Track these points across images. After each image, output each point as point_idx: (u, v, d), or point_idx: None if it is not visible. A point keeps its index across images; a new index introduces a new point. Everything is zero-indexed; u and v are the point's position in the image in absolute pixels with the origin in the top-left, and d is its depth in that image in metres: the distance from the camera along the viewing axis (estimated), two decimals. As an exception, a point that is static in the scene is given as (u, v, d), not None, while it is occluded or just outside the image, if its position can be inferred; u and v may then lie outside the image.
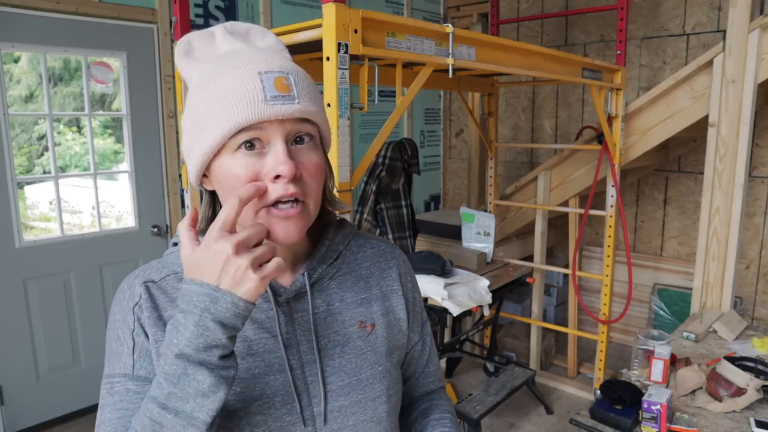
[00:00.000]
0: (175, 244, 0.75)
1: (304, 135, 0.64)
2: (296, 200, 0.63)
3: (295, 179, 0.63)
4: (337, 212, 0.79)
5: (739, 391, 1.67)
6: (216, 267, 0.55)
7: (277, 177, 0.61)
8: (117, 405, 0.64)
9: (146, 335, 0.66)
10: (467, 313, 2.41)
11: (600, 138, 2.86)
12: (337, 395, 0.70)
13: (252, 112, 0.60)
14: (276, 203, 0.63)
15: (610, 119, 2.78)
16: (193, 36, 0.69)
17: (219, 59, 0.66)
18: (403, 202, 3.02)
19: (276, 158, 0.61)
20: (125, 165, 2.89)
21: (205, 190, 0.69)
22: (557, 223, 3.87)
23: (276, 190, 0.62)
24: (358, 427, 0.72)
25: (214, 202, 0.70)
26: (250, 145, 0.62)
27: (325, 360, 0.71)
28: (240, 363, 0.66)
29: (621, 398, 1.67)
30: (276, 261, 0.58)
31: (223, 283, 0.55)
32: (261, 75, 0.61)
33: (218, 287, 0.55)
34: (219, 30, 0.69)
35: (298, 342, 0.70)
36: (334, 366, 0.71)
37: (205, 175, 0.67)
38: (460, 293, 2.38)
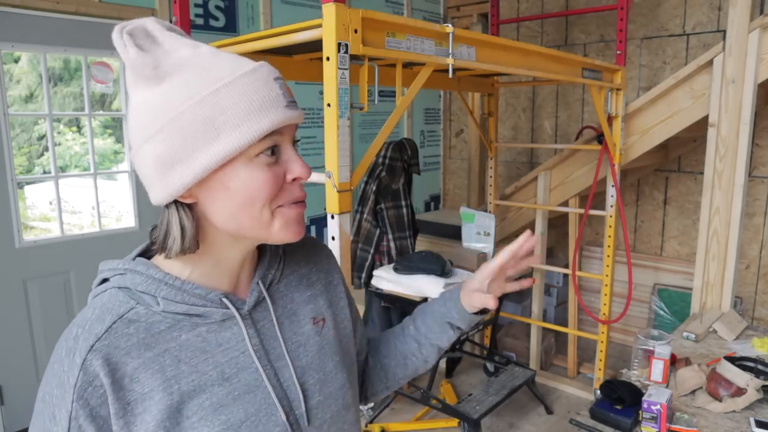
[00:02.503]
0: (103, 281, 0.69)
1: (297, 139, 0.67)
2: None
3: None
4: None
5: (739, 391, 1.67)
6: None
7: (296, 179, 0.65)
8: None
9: (90, 416, 0.59)
10: (467, 313, 2.41)
11: (600, 138, 2.86)
12: (312, 393, 0.72)
13: (277, 116, 0.61)
14: (291, 204, 0.66)
15: (610, 119, 2.78)
16: (151, 25, 0.64)
17: (210, 61, 0.61)
18: (403, 202, 3.02)
19: (295, 161, 0.64)
20: (125, 165, 2.89)
21: (180, 204, 0.63)
22: (557, 223, 3.86)
23: (294, 191, 0.65)
24: (335, 418, 0.74)
25: (194, 215, 0.64)
26: (272, 151, 0.62)
27: (294, 362, 0.72)
28: (218, 390, 0.64)
29: (621, 398, 1.67)
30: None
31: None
32: (278, 81, 0.63)
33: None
34: (159, 30, 0.64)
35: (266, 351, 0.70)
36: (302, 366, 0.72)
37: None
38: (460, 293, 2.37)
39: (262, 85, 0.60)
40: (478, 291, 0.83)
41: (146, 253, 0.71)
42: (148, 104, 0.60)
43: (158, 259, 0.68)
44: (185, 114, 0.58)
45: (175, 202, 0.63)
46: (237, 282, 0.71)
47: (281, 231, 0.65)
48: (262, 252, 0.75)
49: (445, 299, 0.89)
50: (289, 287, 0.77)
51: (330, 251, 0.88)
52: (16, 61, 2.62)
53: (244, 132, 0.59)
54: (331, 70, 1.36)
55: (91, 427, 0.59)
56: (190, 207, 0.64)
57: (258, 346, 0.69)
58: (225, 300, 0.67)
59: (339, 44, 1.35)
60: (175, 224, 0.63)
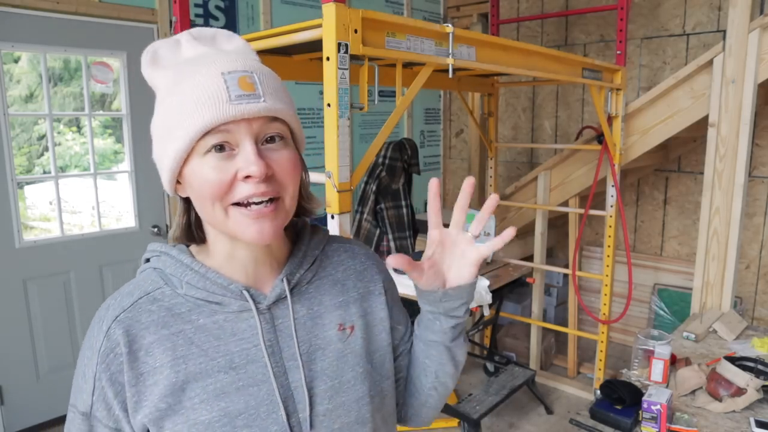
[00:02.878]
0: (147, 260, 0.73)
1: (274, 134, 0.64)
2: (270, 199, 0.63)
3: (268, 178, 0.62)
4: (311, 215, 0.79)
5: (739, 391, 1.67)
6: None
7: (248, 177, 0.61)
8: None
9: (109, 379, 0.65)
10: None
11: (600, 138, 2.86)
12: (321, 399, 0.70)
13: (217, 112, 0.59)
14: (248, 203, 0.63)
15: (610, 119, 2.78)
16: (159, 44, 0.68)
17: (183, 64, 0.65)
18: (403, 202, 3.02)
19: (246, 158, 0.61)
20: (125, 165, 2.89)
21: (180, 197, 0.69)
22: (557, 223, 3.87)
23: (246, 189, 0.62)
24: (343, 429, 0.71)
25: (189, 209, 0.70)
26: (220, 147, 0.61)
27: (307, 365, 0.70)
28: (223, 378, 0.66)
29: (621, 398, 1.67)
30: None
31: None
32: (224, 75, 0.61)
33: None
34: (184, 36, 0.68)
35: (280, 349, 0.69)
36: (316, 370, 0.71)
37: (178, 182, 0.67)
38: (460, 293, 2.37)
39: (207, 82, 0.60)
40: (427, 263, 0.73)
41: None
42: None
43: (194, 247, 0.73)
44: (156, 121, 0.66)
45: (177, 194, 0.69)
46: (255, 276, 0.71)
47: (238, 230, 0.64)
48: (295, 250, 0.75)
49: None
50: (320, 290, 0.75)
51: (379, 262, 0.84)
52: (16, 61, 2.62)
53: (185, 131, 0.61)
54: (331, 70, 1.36)
55: (110, 390, 0.65)
56: (189, 200, 0.68)
57: (272, 342, 0.69)
58: (245, 292, 0.68)
59: (339, 44, 1.35)
60: (179, 214, 0.71)
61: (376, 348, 0.78)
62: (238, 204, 0.63)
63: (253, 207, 0.63)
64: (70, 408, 0.69)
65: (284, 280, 0.71)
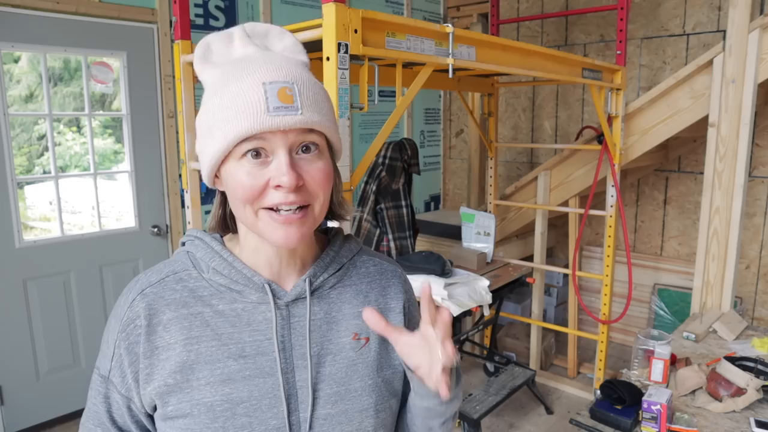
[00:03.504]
0: (183, 244, 0.76)
1: (309, 144, 0.65)
2: (299, 207, 0.65)
3: (298, 188, 0.64)
4: (342, 220, 0.79)
5: (739, 391, 1.67)
6: None
7: (279, 186, 0.63)
8: (92, 400, 0.73)
9: (126, 348, 0.68)
10: (467, 313, 2.41)
11: (600, 138, 2.86)
12: (324, 403, 0.70)
13: (254, 123, 0.61)
14: (278, 209, 0.64)
15: (610, 119, 2.78)
16: (213, 38, 0.70)
17: (230, 65, 0.67)
18: (403, 202, 3.02)
19: (278, 169, 0.63)
20: (125, 165, 2.89)
21: (218, 190, 0.73)
22: (557, 223, 3.87)
23: (276, 197, 0.64)
24: None
25: (224, 202, 0.74)
26: (255, 153, 0.63)
27: (316, 367, 0.71)
28: (232, 364, 0.68)
29: (621, 398, 1.67)
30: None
31: None
32: (265, 86, 0.62)
33: None
34: (238, 31, 0.70)
35: (291, 346, 0.70)
36: (324, 373, 0.71)
37: (216, 176, 0.70)
38: (460, 293, 2.38)
39: (249, 91, 0.62)
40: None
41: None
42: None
43: (227, 237, 0.77)
44: (200, 118, 0.68)
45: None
46: (279, 273, 0.73)
47: (266, 233, 0.66)
48: (324, 254, 0.76)
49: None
50: (342, 297, 0.76)
51: (406, 282, 0.84)
52: (16, 61, 2.62)
53: (223, 135, 0.63)
54: (331, 70, 1.36)
55: (126, 358, 0.68)
56: (224, 193, 0.72)
57: (284, 338, 0.70)
58: (266, 286, 0.70)
59: (339, 44, 1.35)
60: (215, 205, 0.75)
61: (388, 364, 0.78)
62: (267, 209, 0.65)
63: (282, 213, 0.64)
64: (95, 369, 0.73)
65: (306, 280, 0.72)
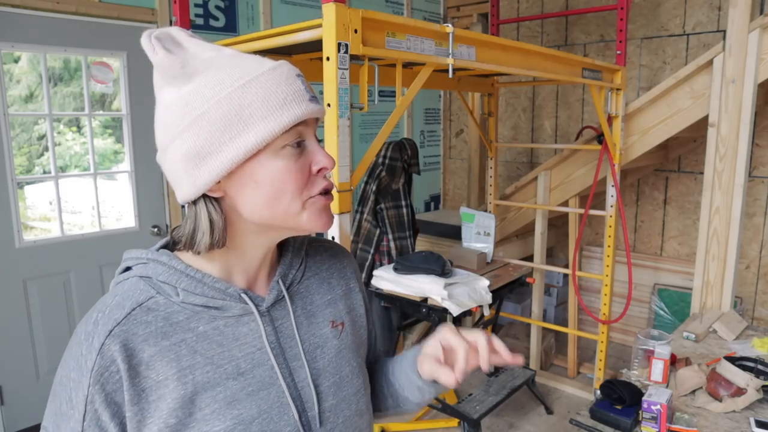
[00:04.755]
0: (127, 269, 0.69)
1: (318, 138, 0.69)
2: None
3: None
4: None
5: (739, 391, 1.67)
6: None
7: (321, 170, 0.66)
8: None
9: (107, 402, 0.60)
10: (467, 313, 2.41)
11: (600, 138, 2.86)
12: (326, 396, 0.72)
13: (302, 109, 0.63)
14: (326, 192, 0.68)
15: (610, 119, 2.78)
16: (173, 31, 0.65)
17: (234, 60, 0.64)
18: (403, 202, 3.02)
19: (319, 152, 0.66)
20: (125, 165, 2.89)
21: (209, 199, 0.64)
22: (557, 223, 3.87)
23: (323, 182, 0.67)
24: (347, 422, 0.73)
25: (222, 209, 0.65)
26: (298, 143, 0.64)
27: (310, 363, 0.72)
28: (233, 384, 0.65)
29: (621, 398, 1.67)
30: None
31: None
32: (299, 77, 0.65)
33: None
34: (181, 37, 0.66)
35: (282, 350, 0.70)
36: (318, 368, 0.72)
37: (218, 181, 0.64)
38: (460, 293, 2.38)
39: (284, 80, 0.63)
40: (432, 359, 0.72)
41: (168, 248, 0.71)
42: (177, 102, 0.62)
43: (180, 254, 0.69)
44: (214, 108, 0.60)
45: (204, 196, 0.64)
46: (255, 279, 0.72)
47: (310, 221, 0.66)
48: (284, 251, 0.76)
49: (413, 356, 0.80)
50: (310, 289, 0.77)
51: (352, 259, 0.87)
52: (16, 61, 2.62)
53: (270, 124, 0.61)
54: (331, 70, 1.36)
55: (106, 412, 0.60)
56: (218, 201, 0.65)
57: (275, 344, 0.69)
58: (244, 295, 0.68)
59: (339, 44, 1.35)
60: (204, 219, 0.64)
61: (361, 342, 0.82)
62: (317, 195, 0.66)
63: (327, 197, 0.68)
64: None
65: (279, 281, 0.72)
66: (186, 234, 0.66)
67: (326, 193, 0.67)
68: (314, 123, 0.67)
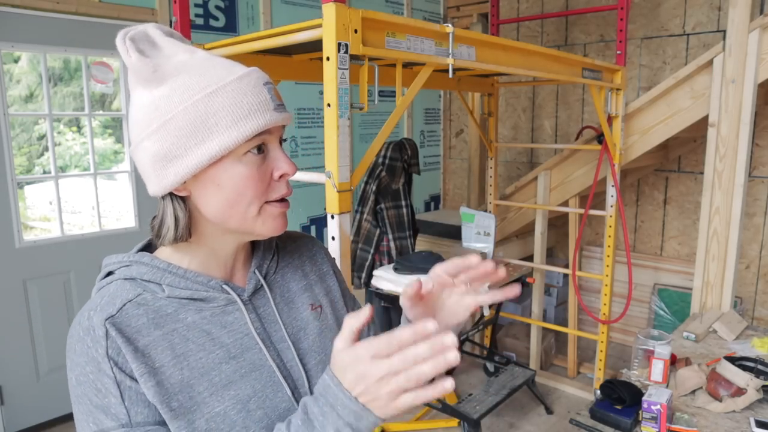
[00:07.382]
0: (109, 274, 0.71)
1: (281, 138, 0.72)
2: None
3: None
4: None
5: (739, 391, 1.67)
6: (369, 384, 0.56)
7: (281, 176, 0.69)
8: None
9: (131, 378, 0.63)
10: (467, 313, 2.41)
11: (600, 138, 2.86)
12: (315, 373, 0.76)
13: (267, 118, 0.65)
14: (284, 198, 0.71)
15: (610, 119, 2.78)
16: (149, 30, 0.67)
17: (205, 66, 0.65)
18: (403, 202, 3.02)
19: (281, 159, 0.69)
20: (125, 165, 2.89)
21: (174, 197, 0.68)
22: (557, 223, 3.87)
23: (282, 188, 0.70)
24: None
25: (186, 207, 0.69)
26: (259, 149, 0.67)
27: (295, 344, 0.76)
28: (226, 368, 0.69)
29: (621, 398, 1.67)
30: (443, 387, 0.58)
31: (369, 403, 0.57)
32: (267, 86, 0.67)
33: (365, 407, 0.57)
34: (157, 36, 0.67)
35: (268, 335, 0.74)
36: (304, 348, 0.77)
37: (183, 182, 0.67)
38: (460, 293, 2.37)
39: (251, 90, 0.65)
40: (412, 298, 0.73)
41: (148, 249, 0.76)
42: (148, 105, 0.65)
43: (159, 252, 0.73)
44: (181, 114, 0.63)
45: (171, 194, 0.68)
46: (232, 272, 0.76)
47: (264, 225, 0.70)
48: (257, 245, 0.80)
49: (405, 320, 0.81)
50: (285, 277, 0.81)
51: (321, 245, 0.92)
52: (16, 61, 2.62)
53: (233, 133, 0.64)
54: (331, 70, 1.36)
55: (134, 384, 0.63)
56: (184, 199, 0.69)
57: (260, 329, 0.73)
58: (225, 287, 0.72)
59: (339, 44, 1.35)
60: (169, 215, 0.69)
61: (340, 322, 0.83)
62: (273, 201, 0.69)
63: (283, 204, 0.70)
64: None
65: (256, 271, 0.76)
66: (155, 226, 0.71)
67: (283, 200, 0.70)
68: (279, 130, 0.69)
